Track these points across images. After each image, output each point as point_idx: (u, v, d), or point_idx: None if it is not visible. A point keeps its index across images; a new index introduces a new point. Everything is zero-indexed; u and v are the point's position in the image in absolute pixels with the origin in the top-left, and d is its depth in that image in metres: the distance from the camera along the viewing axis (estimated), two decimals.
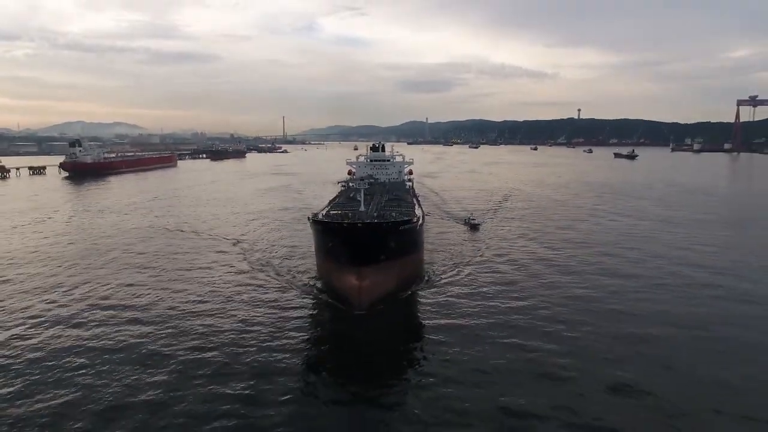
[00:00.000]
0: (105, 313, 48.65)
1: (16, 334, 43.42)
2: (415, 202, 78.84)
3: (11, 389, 34.41)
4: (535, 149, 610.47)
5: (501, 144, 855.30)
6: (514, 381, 35.57)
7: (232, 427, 30.28)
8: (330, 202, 75.88)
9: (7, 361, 38.52)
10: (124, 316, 47.94)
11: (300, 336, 43.09)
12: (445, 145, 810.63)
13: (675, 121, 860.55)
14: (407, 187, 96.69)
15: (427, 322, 47.21)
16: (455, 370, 36.96)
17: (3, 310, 49.45)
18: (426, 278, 59.60)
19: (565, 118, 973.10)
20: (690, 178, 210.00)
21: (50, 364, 38.05)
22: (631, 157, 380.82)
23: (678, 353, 40.16)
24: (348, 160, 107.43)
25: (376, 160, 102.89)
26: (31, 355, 39.44)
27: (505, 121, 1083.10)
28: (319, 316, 48.93)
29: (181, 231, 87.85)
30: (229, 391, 33.95)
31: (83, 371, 36.81)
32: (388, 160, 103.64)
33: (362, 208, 56.63)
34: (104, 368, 37.29)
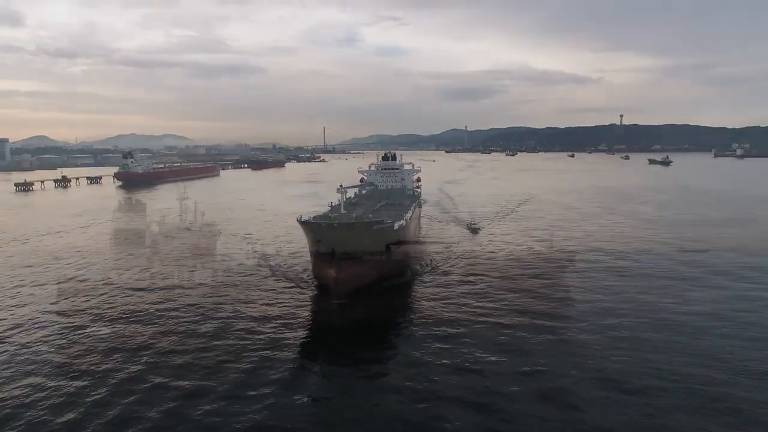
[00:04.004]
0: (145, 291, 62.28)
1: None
2: (411, 207, 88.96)
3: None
4: (572, 156, 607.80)
5: (540, 151, 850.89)
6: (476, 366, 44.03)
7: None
8: (330, 206, 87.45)
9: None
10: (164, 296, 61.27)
11: (287, 319, 53.64)
12: (482, 153, 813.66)
13: (722, 126, 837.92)
14: (412, 193, 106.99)
15: (404, 311, 56.72)
16: (421, 352, 45.70)
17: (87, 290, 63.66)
18: (411, 273, 70.33)
19: (606, 124, 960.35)
20: (711, 184, 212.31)
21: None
22: (666, 163, 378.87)
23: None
24: (359, 169, 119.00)
25: (386, 169, 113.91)
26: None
27: (546, 128, 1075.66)
28: (308, 304, 59.32)
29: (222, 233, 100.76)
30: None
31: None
32: (397, 169, 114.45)
33: (342, 210, 68.08)
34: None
